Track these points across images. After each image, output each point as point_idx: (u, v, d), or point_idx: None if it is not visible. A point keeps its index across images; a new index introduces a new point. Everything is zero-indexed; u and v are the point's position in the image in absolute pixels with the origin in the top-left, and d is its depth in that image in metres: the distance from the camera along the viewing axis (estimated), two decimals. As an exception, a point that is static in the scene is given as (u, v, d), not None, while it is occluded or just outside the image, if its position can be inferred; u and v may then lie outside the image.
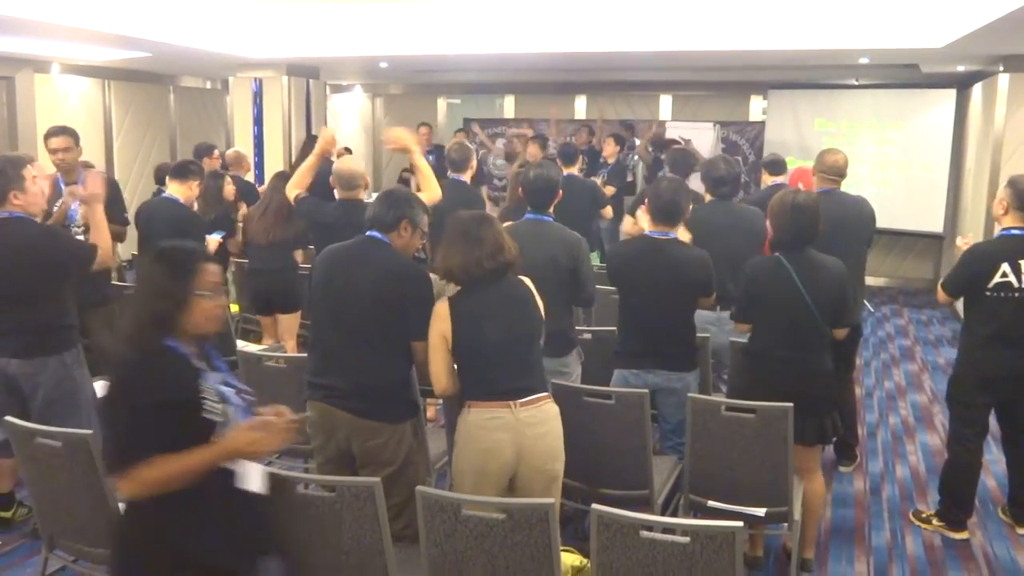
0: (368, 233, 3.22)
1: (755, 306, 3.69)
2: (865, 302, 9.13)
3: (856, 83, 10.00)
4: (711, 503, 3.49)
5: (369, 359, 3.11)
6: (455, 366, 3.12)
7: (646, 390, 3.58)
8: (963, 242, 4.27)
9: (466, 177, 5.53)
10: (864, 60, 8.19)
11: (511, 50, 7.98)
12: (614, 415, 3.52)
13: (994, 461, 4.93)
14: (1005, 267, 3.85)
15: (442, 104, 12.54)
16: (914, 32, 6.67)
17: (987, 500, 4.62)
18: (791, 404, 3.35)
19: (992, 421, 4.22)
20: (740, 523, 2.32)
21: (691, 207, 4.15)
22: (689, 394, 3.57)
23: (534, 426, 3.04)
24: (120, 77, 10.69)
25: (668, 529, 2.38)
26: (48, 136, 4.95)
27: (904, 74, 9.12)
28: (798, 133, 9.60)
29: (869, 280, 10.01)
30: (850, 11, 6.50)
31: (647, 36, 7.34)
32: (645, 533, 2.37)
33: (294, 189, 4.74)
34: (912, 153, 9.56)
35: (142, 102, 11.21)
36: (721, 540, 2.31)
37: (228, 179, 6.29)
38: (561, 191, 4.18)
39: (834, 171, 4.80)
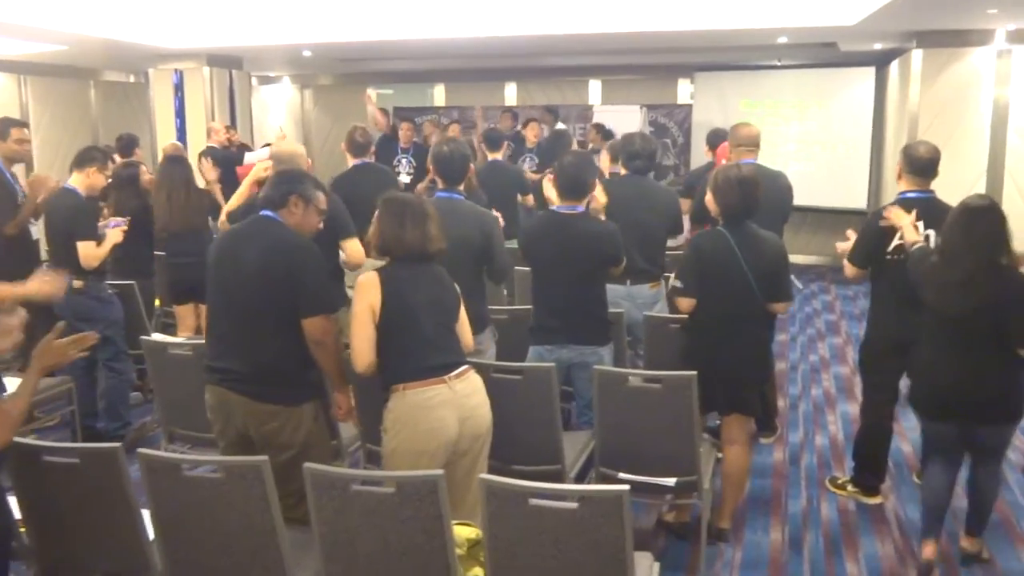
0: (260, 213, 3.16)
1: (698, 280, 3.67)
2: (794, 278, 9.28)
3: (779, 63, 10.13)
4: (621, 475, 3.49)
5: (261, 340, 3.05)
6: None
7: (553, 364, 3.57)
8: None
9: (370, 159, 5.49)
10: (783, 39, 8.30)
11: (436, 35, 7.93)
12: (523, 391, 3.50)
13: (911, 428, 5.02)
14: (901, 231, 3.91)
15: (371, 94, 12.38)
16: (828, 9, 6.78)
17: (902, 464, 4.71)
18: (695, 373, 3.37)
19: None
20: (626, 487, 2.32)
21: (599, 180, 4.15)
22: (595, 366, 3.56)
23: (470, 396, 3.09)
24: (38, 72, 10.37)
25: (558, 496, 2.36)
26: (12, 126, 5.10)
27: (824, 54, 9.26)
28: (724, 114, 9.66)
29: (798, 258, 10.17)
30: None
31: (573, 18, 7.37)
32: (534, 501, 2.35)
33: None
34: (834, 131, 9.73)
35: (62, 98, 10.89)
36: (608, 504, 2.30)
37: (143, 168, 6.15)
38: (472, 167, 4.17)
39: (751, 141, 4.86)
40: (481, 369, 3.49)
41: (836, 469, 4.69)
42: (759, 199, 3.67)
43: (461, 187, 4.11)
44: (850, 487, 4.35)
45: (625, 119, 9.61)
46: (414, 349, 3.02)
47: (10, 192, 5.03)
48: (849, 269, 4.20)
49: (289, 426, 3.06)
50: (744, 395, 3.73)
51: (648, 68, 10.89)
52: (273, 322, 3.04)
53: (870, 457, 4.26)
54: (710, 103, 10.14)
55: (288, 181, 3.18)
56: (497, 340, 4.15)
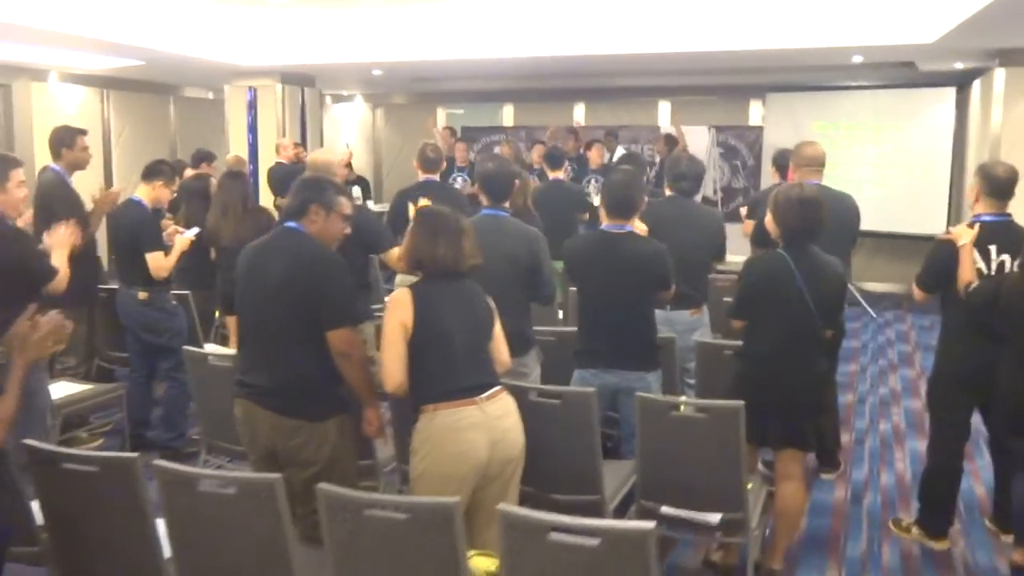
0: (284, 224, 3.12)
1: (752, 303, 3.53)
2: (868, 307, 8.93)
3: (854, 84, 9.81)
4: (664, 509, 3.32)
5: (288, 354, 3.00)
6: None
7: (592, 389, 3.42)
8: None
9: (435, 176, 5.49)
10: (858, 58, 8.02)
11: (503, 55, 7.92)
12: (562, 415, 3.36)
13: (984, 467, 4.72)
14: (975, 254, 3.67)
15: (442, 114, 12.46)
16: (906, 27, 6.55)
17: (974, 508, 4.40)
18: (742, 403, 3.19)
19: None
20: (652, 523, 2.16)
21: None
22: (637, 393, 3.40)
23: (502, 418, 2.98)
24: (119, 87, 10.69)
25: (579, 531, 2.22)
26: (78, 134, 5.17)
27: (902, 74, 8.93)
28: (797, 136, 9.26)
29: (873, 286, 9.80)
30: (842, 9, 6.39)
31: (643, 38, 7.32)
32: (554, 535, 2.21)
33: None
34: (913, 154, 9.34)
35: (142, 112, 11.20)
36: (632, 542, 2.15)
37: (213, 181, 6.24)
38: (518, 181, 4.09)
39: (816, 161, 4.65)
40: (519, 392, 3.38)
41: (901, 510, 4.41)
42: (822, 221, 3.46)
43: (507, 204, 4.03)
44: (915, 530, 4.07)
45: (694, 140, 9.42)
46: (445, 369, 2.93)
47: (78, 203, 5.08)
48: (917, 293, 3.99)
49: (313, 442, 2.99)
50: (798, 427, 3.51)
51: (718, 89, 10.67)
52: (299, 336, 2.99)
53: (937, 498, 3.99)
54: (782, 125, 9.86)
55: (307, 189, 3.13)
56: (543, 362, 4.04)
